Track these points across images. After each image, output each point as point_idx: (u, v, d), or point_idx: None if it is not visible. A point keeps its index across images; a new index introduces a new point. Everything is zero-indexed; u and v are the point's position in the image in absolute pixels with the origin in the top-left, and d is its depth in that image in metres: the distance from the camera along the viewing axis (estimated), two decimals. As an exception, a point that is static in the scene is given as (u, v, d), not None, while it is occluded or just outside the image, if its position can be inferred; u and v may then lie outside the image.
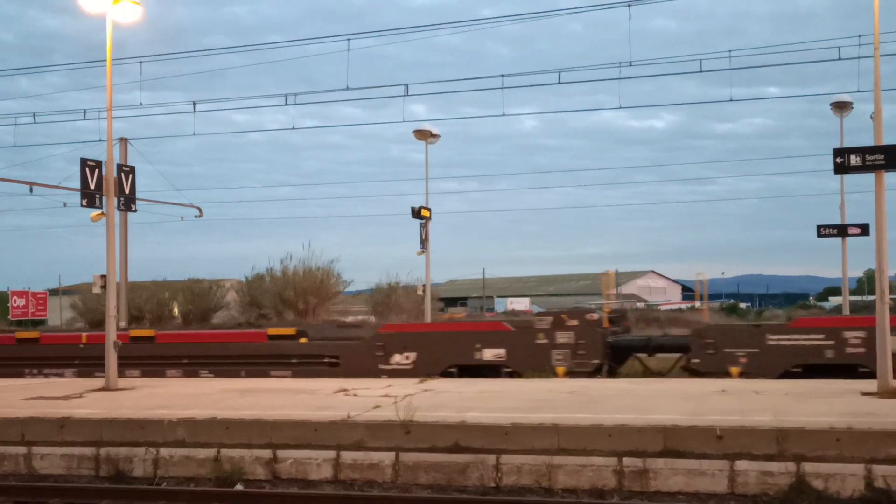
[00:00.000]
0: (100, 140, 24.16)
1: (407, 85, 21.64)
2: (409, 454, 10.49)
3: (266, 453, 10.87)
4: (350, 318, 43.75)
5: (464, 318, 47.18)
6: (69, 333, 26.81)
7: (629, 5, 18.69)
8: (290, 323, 38.82)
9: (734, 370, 17.57)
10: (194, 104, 24.05)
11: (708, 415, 11.03)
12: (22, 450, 11.76)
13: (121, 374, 20.26)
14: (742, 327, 20.62)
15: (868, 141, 13.77)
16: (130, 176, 18.27)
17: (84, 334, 23.24)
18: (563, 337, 18.63)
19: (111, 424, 11.98)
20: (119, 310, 29.42)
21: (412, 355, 19.42)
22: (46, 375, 21.41)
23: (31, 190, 25.17)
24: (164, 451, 11.19)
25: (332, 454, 10.67)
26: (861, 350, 16.74)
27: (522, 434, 10.48)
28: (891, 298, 13.86)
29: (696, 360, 18.19)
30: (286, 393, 15.15)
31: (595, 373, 18.44)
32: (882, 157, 13.13)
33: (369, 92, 35.45)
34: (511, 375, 18.49)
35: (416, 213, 30.60)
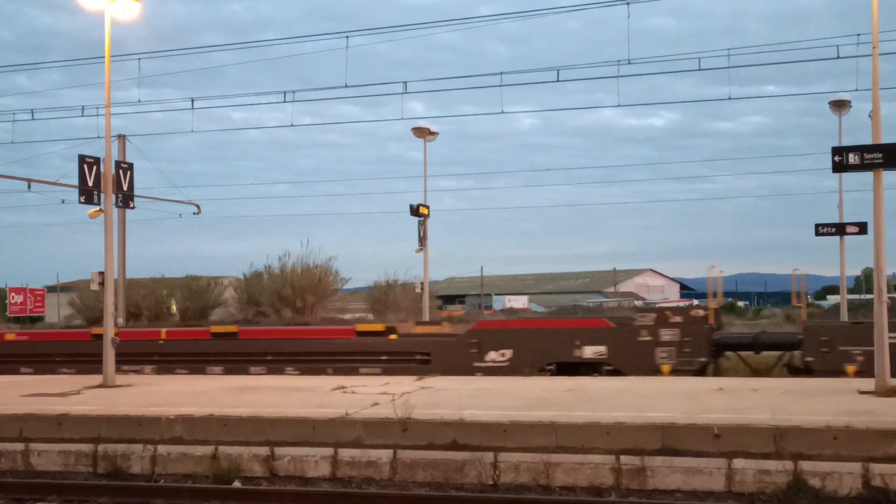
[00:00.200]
0: (98, 137, 24.09)
1: (405, 83, 21.56)
2: (407, 452, 10.49)
3: (264, 450, 10.86)
4: (348, 316, 43.82)
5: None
6: (148, 329, 26.54)
7: (628, 3, 18.51)
8: (287, 320, 38.86)
9: (850, 368, 17.16)
10: (192, 101, 23.98)
11: (706, 413, 11.03)
12: (19, 446, 11.75)
13: (203, 371, 20.30)
14: (860, 325, 19.92)
15: (866, 139, 13.80)
16: (128, 173, 18.23)
17: (163, 330, 23.01)
18: (667, 334, 18.17)
19: (109, 421, 11.97)
20: (117, 307, 29.48)
21: (508, 352, 19.08)
22: (125, 372, 20.67)
23: (29, 187, 25.29)
24: (161, 449, 11.18)
25: (329, 451, 10.67)
26: None
27: (520, 432, 10.48)
28: (889, 297, 13.86)
29: (810, 359, 17.86)
30: (284, 390, 15.17)
31: (701, 371, 17.97)
32: (880, 155, 13.14)
33: (368, 89, 35.09)
34: (612, 374, 18.03)
35: (415, 211, 30.63)
